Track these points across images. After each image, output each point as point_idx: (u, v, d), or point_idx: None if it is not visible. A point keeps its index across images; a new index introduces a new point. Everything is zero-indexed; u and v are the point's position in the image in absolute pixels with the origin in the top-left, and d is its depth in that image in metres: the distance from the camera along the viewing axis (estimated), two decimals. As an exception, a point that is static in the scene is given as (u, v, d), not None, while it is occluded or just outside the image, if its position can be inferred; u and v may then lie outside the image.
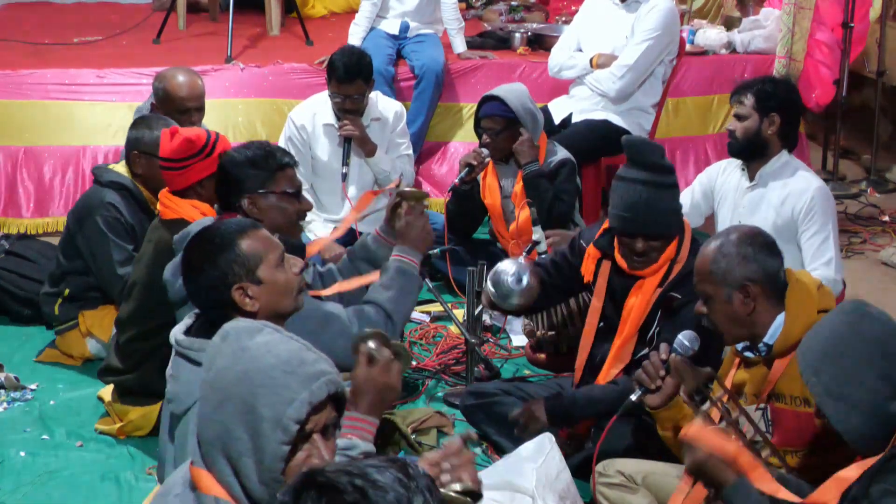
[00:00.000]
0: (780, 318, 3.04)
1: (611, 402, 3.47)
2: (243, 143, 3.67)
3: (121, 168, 4.62)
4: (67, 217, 4.78)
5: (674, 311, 3.64)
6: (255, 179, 3.49)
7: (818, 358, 2.56)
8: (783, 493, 2.61)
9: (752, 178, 4.42)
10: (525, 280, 3.89)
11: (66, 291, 4.67)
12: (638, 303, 3.70)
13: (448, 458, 2.18)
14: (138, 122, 4.61)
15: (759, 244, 3.08)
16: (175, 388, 2.77)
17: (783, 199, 4.32)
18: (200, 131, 3.96)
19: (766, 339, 3.07)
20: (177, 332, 2.84)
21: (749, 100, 4.34)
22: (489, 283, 3.96)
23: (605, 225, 3.80)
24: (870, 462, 2.50)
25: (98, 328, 4.63)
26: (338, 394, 2.13)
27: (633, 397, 3.15)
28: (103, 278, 4.56)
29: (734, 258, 3.04)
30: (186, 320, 2.90)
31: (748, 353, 3.14)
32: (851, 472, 2.52)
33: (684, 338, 3.15)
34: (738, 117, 4.37)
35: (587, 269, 3.87)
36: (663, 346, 3.16)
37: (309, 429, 2.08)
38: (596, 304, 3.83)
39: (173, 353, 2.83)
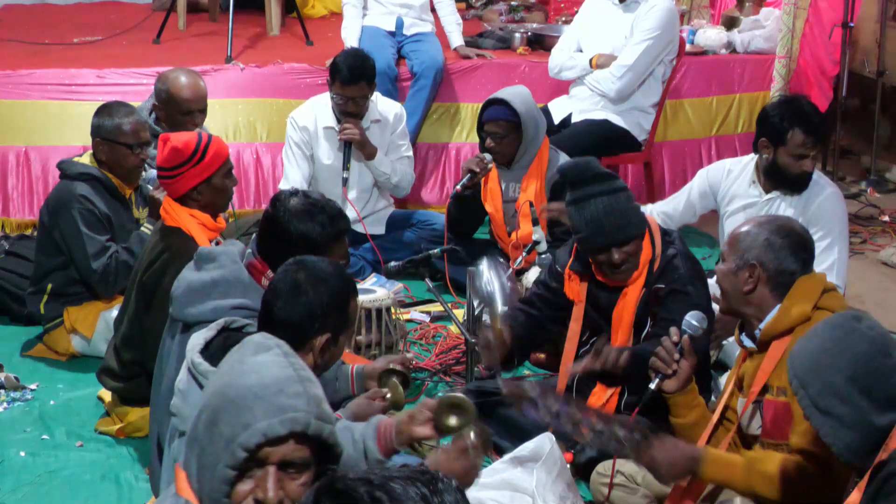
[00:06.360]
0: (777, 308, 3.10)
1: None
2: (310, 203, 3.25)
3: (86, 159, 4.66)
4: (40, 214, 4.78)
5: (662, 300, 3.64)
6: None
7: (805, 371, 2.57)
8: None
9: (768, 191, 4.45)
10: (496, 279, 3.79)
11: (49, 287, 4.67)
12: (626, 309, 3.70)
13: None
14: (101, 110, 4.65)
15: (790, 243, 3.13)
16: (181, 406, 2.68)
17: (801, 206, 4.38)
18: (190, 138, 3.90)
19: (760, 326, 3.12)
20: (194, 348, 2.71)
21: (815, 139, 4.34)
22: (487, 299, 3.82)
23: (576, 247, 3.79)
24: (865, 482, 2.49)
25: (82, 325, 4.64)
26: (307, 434, 1.99)
27: (652, 385, 3.17)
28: (80, 272, 4.59)
29: (760, 240, 3.13)
30: (207, 332, 2.79)
31: (747, 342, 3.16)
32: (854, 497, 2.52)
33: (692, 318, 3.18)
34: (813, 157, 4.36)
35: (573, 291, 3.84)
36: (673, 330, 3.18)
37: (261, 458, 1.98)
38: (574, 328, 3.82)
39: (185, 366, 2.71)
